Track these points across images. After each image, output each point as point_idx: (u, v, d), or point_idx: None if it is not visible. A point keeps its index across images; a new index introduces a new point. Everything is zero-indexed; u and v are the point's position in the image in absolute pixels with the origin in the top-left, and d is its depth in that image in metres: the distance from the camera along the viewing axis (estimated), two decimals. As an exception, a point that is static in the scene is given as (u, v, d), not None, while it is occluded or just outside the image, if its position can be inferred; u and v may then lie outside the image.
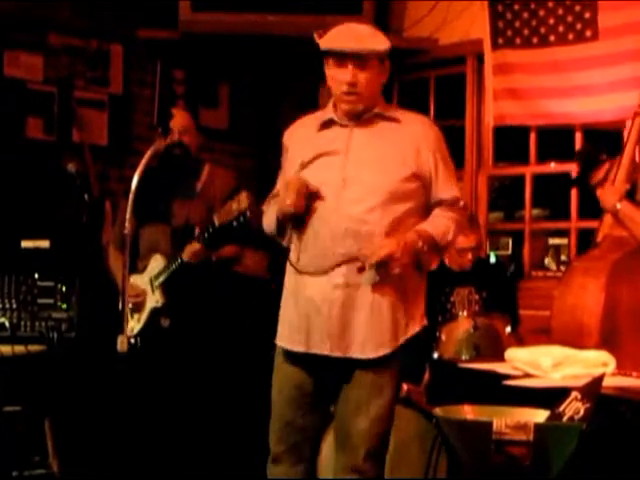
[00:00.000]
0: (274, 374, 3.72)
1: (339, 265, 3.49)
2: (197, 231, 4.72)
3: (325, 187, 3.54)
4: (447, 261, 5.55)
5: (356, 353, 3.52)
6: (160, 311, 4.81)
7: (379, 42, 3.54)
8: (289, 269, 3.68)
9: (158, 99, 6.78)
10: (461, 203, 3.66)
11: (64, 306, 4.98)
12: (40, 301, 4.98)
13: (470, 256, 5.45)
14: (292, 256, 3.67)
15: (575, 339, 3.53)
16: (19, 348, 4.77)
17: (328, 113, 3.66)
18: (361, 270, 3.46)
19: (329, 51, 3.53)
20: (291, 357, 3.65)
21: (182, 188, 4.94)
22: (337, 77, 3.53)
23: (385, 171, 3.52)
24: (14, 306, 4.96)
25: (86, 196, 5.37)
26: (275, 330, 3.71)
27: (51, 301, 4.99)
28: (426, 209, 3.63)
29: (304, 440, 3.66)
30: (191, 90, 7.01)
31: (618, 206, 3.88)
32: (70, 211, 5.58)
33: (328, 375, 3.61)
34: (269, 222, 3.71)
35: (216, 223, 4.57)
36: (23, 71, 6.20)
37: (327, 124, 3.65)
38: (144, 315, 4.85)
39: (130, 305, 4.73)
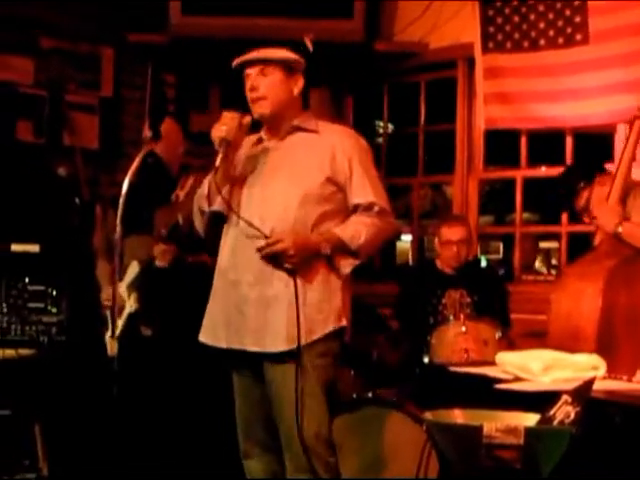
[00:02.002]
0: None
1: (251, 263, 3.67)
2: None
3: (245, 195, 3.76)
4: (439, 264, 5.56)
5: (268, 346, 3.65)
6: (135, 316, 4.80)
7: (279, 53, 3.81)
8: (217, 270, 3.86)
9: (149, 103, 6.78)
10: (376, 208, 3.77)
11: (54, 310, 4.97)
12: (30, 305, 4.96)
13: (456, 249, 5.46)
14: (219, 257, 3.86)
15: (571, 344, 3.53)
16: (9, 352, 4.76)
17: (262, 132, 3.90)
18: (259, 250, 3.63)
19: (239, 69, 3.85)
20: (233, 365, 3.83)
21: (164, 197, 4.94)
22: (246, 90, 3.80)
23: (300, 176, 3.71)
24: (4, 310, 4.93)
25: (77, 200, 5.37)
26: None
27: (41, 305, 4.97)
28: (346, 214, 3.78)
29: (269, 434, 3.80)
30: (182, 94, 7.01)
31: (620, 229, 3.88)
32: (60, 215, 5.58)
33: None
34: (200, 195, 3.87)
35: (180, 220, 4.59)
36: (14, 74, 6.19)
37: (258, 142, 3.89)
38: (121, 321, 4.84)
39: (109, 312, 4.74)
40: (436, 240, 5.59)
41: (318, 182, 3.69)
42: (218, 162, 3.70)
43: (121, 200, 3.81)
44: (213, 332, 3.80)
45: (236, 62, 3.82)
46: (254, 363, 3.72)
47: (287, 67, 3.80)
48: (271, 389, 3.71)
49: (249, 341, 3.68)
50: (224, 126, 3.69)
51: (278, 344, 3.64)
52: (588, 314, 3.66)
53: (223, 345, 3.76)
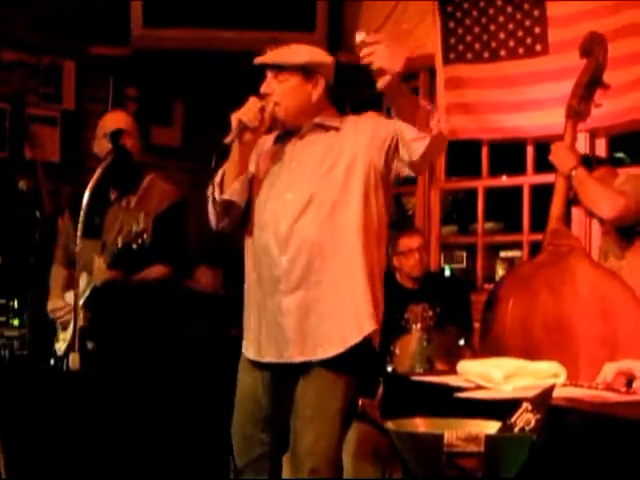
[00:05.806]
0: (237, 388, 3.77)
1: (286, 273, 3.55)
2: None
3: (270, 198, 3.62)
4: (398, 278, 5.57)
5: (313, 355, 3.57)
6: (83, 331, 4.62)
7: (295, 56, 3.62)
8: (246, 282, 3.72)
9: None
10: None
11: (16, 323, 4.95)
12: (-9, 319, 4.95)
13: (418, 256, 5.50)
14: (246, 273, 3.71)
15: (498, 356, 3.54)
16: (-30, 367, 4.74)
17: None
18: None
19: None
20: (250, 372, 3.71)
21: (117, 199, 4.81)
22: None
23: (325, 177, 3.57)
24: (-35, 324, 4.93)
25: (38, 213, 5.34)
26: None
27: (3, 319, 4.96)
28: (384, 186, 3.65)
29: (264, 454, 3.71)
30: (144, 107, 6.98)
31: (573, 173, 3.99)
32: (22, 228, 5.55)
33: (285, 389, 3.65)
34: (214, 182, 3.68)
35: (119, 244, 4.42)
36: (-26, 87, 6.17)
37: (278, 139, 3.74)
38: (69, 335, 4.65)
39: (59, 323, 4.64)
40: (393, 257, 5.57)
41: (344, 180, 3.55)
42: (229, 140, 3.56)
43: (82, 213, 3.79)
44: (261, 347, 3.69)
45: (255, 63, 3.63)
46: (285, 377, 3.65)
47: (305, 71, 3.62)
48: (296, 403, 3.62)
49: (297, 352, 3.59)
50: (243, 109, 3.55)
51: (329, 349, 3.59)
52: (510, 324, 3.69)
53: (273, 360, 3.65)
